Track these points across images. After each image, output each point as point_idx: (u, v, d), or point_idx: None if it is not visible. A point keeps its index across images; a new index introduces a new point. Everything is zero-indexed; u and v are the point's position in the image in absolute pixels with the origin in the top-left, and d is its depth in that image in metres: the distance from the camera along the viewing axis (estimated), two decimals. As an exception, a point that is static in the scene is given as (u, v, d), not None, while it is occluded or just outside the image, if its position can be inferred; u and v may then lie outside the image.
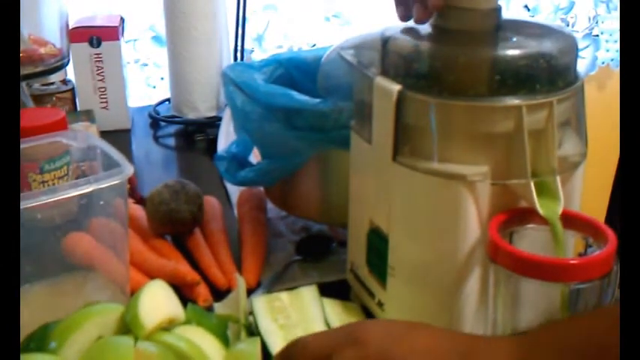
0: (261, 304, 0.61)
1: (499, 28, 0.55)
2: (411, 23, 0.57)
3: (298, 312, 0.61)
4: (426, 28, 0.56)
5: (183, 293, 0.66)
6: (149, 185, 0.79)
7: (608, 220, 1.03)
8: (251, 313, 0.60)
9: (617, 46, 1.69)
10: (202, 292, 0.67)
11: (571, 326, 0.44)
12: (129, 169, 0.58)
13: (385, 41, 0.56)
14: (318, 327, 0.60)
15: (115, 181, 0.57)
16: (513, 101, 0.50)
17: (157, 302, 0.53)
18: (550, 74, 0.51)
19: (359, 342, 0.45)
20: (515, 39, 0.54)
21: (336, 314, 0.62)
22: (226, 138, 0.98)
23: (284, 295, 0.63)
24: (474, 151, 0.51)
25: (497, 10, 0.55)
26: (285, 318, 0.60)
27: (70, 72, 1.08)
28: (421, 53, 0.53)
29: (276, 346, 0.55)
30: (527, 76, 0.50)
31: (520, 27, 0.56)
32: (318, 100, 0.68)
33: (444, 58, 0.52)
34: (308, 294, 0.63)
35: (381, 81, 0.55)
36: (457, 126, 0.52)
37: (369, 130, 0.57)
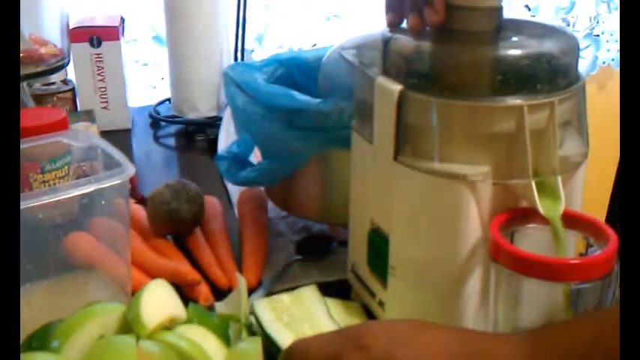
0: (262, 306, 0.61)
1: (500, 28, 0.55)
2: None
3: (301, 310, 0.61)
4: (427, 29, 0.56)
5: (184, 293, 0.66)
6: (149, 185, 0.79)
7: (609, 220, 1.03)
8: (251, 312, 0.60)
9: (618, 46, 1.69)
10: (203, 291, 0.68)
11: (577, 329, 0.44)
12: (130, 169, 0.58)
13: (386, 41, 0.56)
14: (324, 322, 0.59)
15: (116, 181, 0.57)
16: (515, 101, 0.50)
17: (159, 301, 0.53)
18: (551, 74, 0.51)
19: (362, 346, 0.44)
20: (516, 39, 0.54)
21: (337, 313, 0.62)
22: (227, 138, 0.98)
23: (285, 297, 0.63)
24: (475, 151, 0.51)
25: (499, 9, 0.55)
26: (289, 316, 0.60)
27: (71, 72, 1.09)
28: (422, 53, 0.53)
29: (285, 342, 0.55)
30: (528, 76, 0.50)
31: (521, 27, 0.56)
32: (319, 100, 0.68)
33: (446, 58, 0.52)
34: (308, 294, 0.63)
35: (383, 81, 0.55)
36: (458, 126, 0.52)
37: (370, 130, 0.57)
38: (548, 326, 0.45)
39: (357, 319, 0.62)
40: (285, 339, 0.56)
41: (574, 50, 0.54)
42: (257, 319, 0.59)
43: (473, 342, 0.45)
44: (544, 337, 0.43)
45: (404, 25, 0.57)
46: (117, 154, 0.61)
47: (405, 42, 0.55)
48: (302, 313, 0.60)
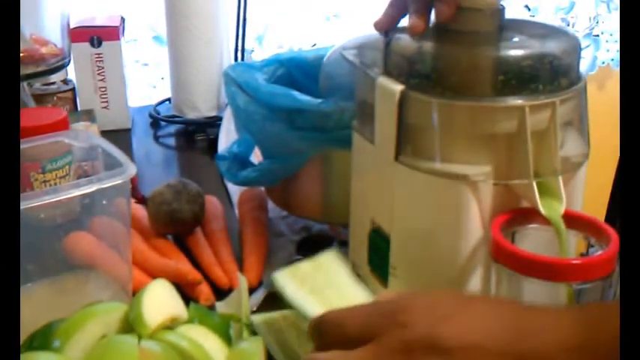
0: (284, 276, 0.56)
1: (502, 29, 0.55)
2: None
3: (324, 276, 0.56)
4: (428, 29, 0.56)
5: (185, 292, 0.66)
6: (149, 185, 0.79)
7: (608, 219, 1.03)
8: (272, 286, 0.56)
9: (617, 46, 1.69)
10: (204, 291, 0.68)
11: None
12: (132, 169, 0.58)
13: (388, 41, 0.56)
14: (350, 286, 0.55)
15: (117, 181, 0.57)
16: (516, 101, 0.50)
17: (161, 301, 0.53)
18: (553, 74, 0.51)
19: (402, 324, 0.41)
20: (518, 39, 0.54)
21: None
22: (227, 137, 0.98)
23: (305, 264, 0.58)
24: (476, 151, 0.52)
25: (501, 10, 0.55)
26: (312, 284, 0.55)
27: (71, 72, 1.08)
28: (424, 53, 0.53)
29: (312, 311, 0.51)
30: (530, 76, 0.51)
31: (523, 27, 0.56)
32: (320, 100, 0.68)
33: (447, 59, 0.52)
34: (328, 259, 0.58)
35: (384, 81, 0.55)
36: (460, 126, 0.52)
37: (371, 130, 0.58)
38: (597, 306, 0.44)
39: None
40: (312, 308, 0.52)
41: (575, 50, 0.54)
42: (280, 290, 0.55)
43: (520, 316, 0.42)
44: (595, 318, 0.41)
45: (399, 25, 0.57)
46: (119, 154, 0.61)
47: (406, 42, 0.55)
48: (325, 279, 0.56)
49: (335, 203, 0.73)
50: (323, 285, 0.55)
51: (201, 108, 1.11)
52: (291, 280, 0.55)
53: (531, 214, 0.51)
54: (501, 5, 0.55)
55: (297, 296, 0.54)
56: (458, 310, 0.42)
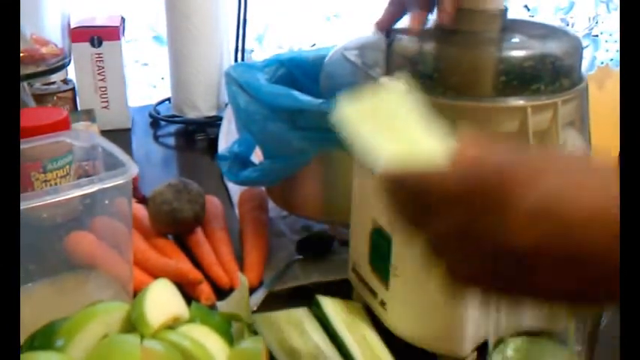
0: (348, 112, 0.47)
1: (504, 29, 0.55)
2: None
3: (394, 115, 0.46)
4: (430, 29, 0.56)
5: (186, 292, 0.66)
6: (149, 185, 0.79)
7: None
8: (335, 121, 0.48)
9: (617, 46, 1.70)
10: (205, 290, 0.68)
11: None
12: (133, 169, 0.58)
13: (390, 42, 0.56)
14: (424, 131, 0.44)
15: (119, 181, 0.57)
16: (518, 102, 0.50)
17: (163, 301, 0.53)
18: (555, 75, 0.51)
19: (507, 195, 0.37)
20: (519, 40, 0.54)
21: (337, 313, 0.62)
22: (227, 137, 0.98)
23: (370, 100, 0.47)
24: (478, 152, 0.51)
25: (503, 11, 0.55)
26: (380, 125, 0.45)
27: (71, 71, 1.09)
28: (426, 54, 0.53)
29: (381, 147, 0.43)
30: (532, 77, 0.51)
31: (525, 28, 0.56)
32: (321, 101, 0.68)
33: (449, 59, 0.52)
34: (396, 95, 0.46)
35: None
36: (461, 127, 0.52)
37: (372, 130, 0.57)
38: None
39: (359, 319, 0.62)
40: (379, 144, 0.43)
41: (577, 51, 0.54)
42: (344, 132, 0.47)
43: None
44: None
45: (397, 26, 0.57)
46: (120, 154, 0.61)
47: (408, 43, 0.55)
48: (394, 119, 0.45)
49: (335, 203, 0.73)
50: (393, 128, 0.45)
51: (201, 108, 1.11)
52: (357, 122, 0.46)
53: (532, 215, 0.51)
54: (504, 6, 0.55)
55: (362, 134, 0.45)
56: (568, 180, 0.38)
